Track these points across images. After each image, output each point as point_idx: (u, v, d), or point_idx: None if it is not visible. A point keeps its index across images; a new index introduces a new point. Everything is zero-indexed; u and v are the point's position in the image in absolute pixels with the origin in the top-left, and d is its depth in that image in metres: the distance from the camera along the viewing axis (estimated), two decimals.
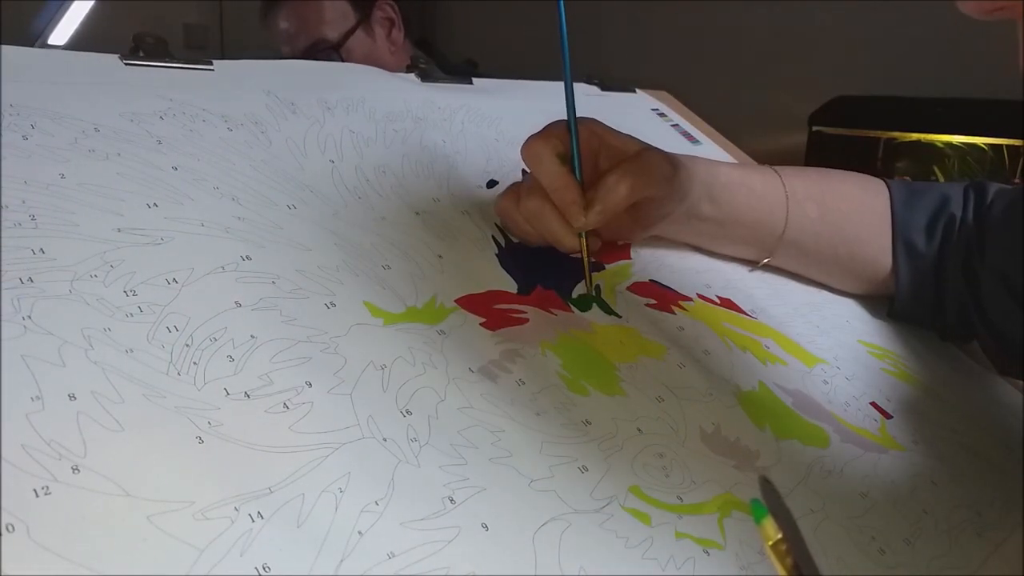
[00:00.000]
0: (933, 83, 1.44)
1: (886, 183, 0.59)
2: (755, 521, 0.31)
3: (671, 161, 0.47)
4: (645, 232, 0.52)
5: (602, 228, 0.48)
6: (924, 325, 0.59)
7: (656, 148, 0.48)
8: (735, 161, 0.69)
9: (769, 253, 0.56)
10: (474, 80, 0.65)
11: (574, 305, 0.45)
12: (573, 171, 0.45)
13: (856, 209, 0.57)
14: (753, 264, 0.57)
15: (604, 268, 0.49)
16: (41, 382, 0.27)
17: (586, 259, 0.46)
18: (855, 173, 0.59)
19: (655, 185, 0.46)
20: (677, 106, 0.76)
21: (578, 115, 0.46)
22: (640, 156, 0.46)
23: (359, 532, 0.27)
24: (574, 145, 0.45)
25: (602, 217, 0.44)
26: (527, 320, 0.42)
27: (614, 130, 0.48)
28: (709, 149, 0.72)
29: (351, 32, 1.29)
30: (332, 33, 1.29)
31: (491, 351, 0.38)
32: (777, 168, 0.55)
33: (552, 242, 0.47)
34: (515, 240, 0.48)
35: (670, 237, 0.54)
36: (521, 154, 0.45)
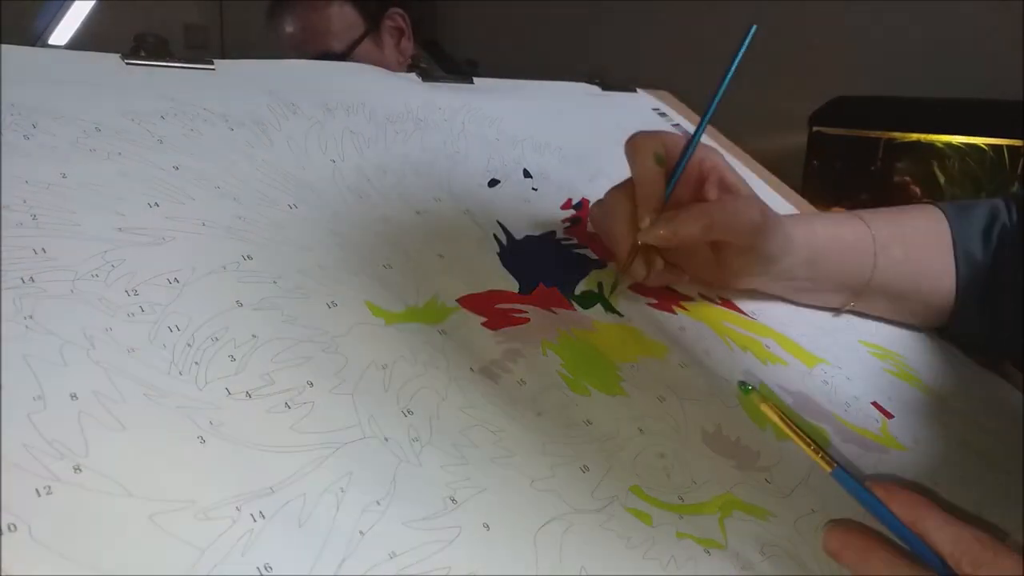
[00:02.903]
0: (933, 83, 1.44)
1: (938, 207, 0.58)
2: (743, 395, 0.37)
3: (764, 214, 0.46)
4: (734, 281, 0.51)
5: (685, 263, 0.48)
6: (976, 339, 0.58)
7: (759, 201, 0.47)
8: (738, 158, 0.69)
9: (854, 299, 0.55)
10: (475, 80, 0.65)
11: (577, 302, 0.45)
12: (667, 178, 0.45)
13: (932, 242, 0.56)
14: (836, 311, 0.56)
15: (606, 267, 0.49)
16: (43, 382, 0.27)
17: (626, 265, 0.46)
18: (920, 205, 0.58)
19: (735, 233, 0.46)
20: (677, 106, 0.76)
21: (651, 134, 0.46)
22: (733, 200, 0.46)
23: (360, 532, 0.27)
24: (685, 159, 0.45)
25: (666, 236, 0.44)
26: (528, 319, 0.42)
27: (734, 170, 0.47)
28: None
29: (358, 42, 1.24)
30: (338, 44, 1.23)
31: (492, 351, 0.38)
32: (860, 213, 0.54)
33: (609, 241, 0.48)
34: (519, 239, 0.48)
35: (760, 289, 0.53)
36: (624, 145, 0.46)
